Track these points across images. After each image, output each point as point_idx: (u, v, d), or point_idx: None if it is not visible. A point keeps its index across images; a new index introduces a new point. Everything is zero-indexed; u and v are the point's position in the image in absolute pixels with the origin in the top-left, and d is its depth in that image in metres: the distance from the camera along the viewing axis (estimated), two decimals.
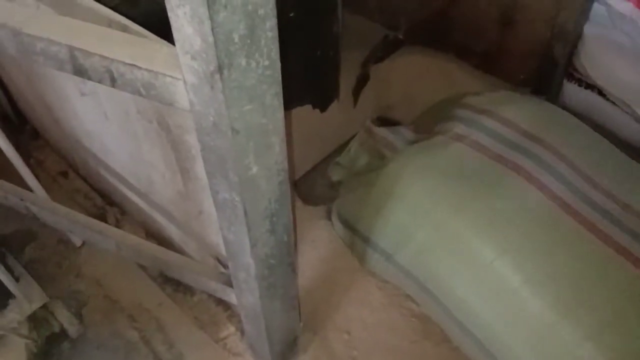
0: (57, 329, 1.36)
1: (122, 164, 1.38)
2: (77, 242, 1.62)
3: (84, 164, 1.68)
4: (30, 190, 1.45)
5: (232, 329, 1.43)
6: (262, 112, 0.76)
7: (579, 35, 1.75)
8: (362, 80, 1.90)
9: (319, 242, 1.51)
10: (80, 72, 0.86)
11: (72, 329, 1.38)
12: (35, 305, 1.25)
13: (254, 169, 0.82)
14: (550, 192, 1.29)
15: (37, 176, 1.77)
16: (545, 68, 1.87)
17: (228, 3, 0.61)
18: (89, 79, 0.86)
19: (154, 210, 1.44)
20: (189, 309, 1.48)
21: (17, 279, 1.28)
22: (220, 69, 0.66)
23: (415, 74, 1.95)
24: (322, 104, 1.79)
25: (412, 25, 2.04)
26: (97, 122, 1.28)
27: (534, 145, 1.39)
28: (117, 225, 1.67)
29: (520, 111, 1.52)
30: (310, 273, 1.45)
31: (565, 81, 1.88)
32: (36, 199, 1.38)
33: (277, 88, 0.75)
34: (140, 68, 0.78)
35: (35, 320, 1.30)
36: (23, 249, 1.62)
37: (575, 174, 1.33)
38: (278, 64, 0.73)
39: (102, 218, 1.70)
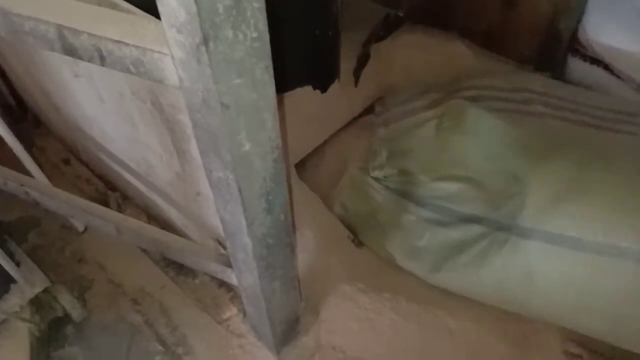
0: (60, 313, 1.37)
1: (121, 148, 1.38)
2: (80, 227, 1.62)
3: (85, 150, 1.68)
4: (32, 176, 1.45)
5: (234, 310, 1.43)
6: (253, 86, 0.74)
7: (583, 9, 1.71)
8: (363, 60, 1.88)
9: (319, 224, 1.50)
10: (70, 51, 0.85)
11: (76, 313, 1.38)
12: (37, 290, 1.26)
13: (247, 146, 0.80)
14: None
15: (39, 163, 1.77)
16: (549, 44, 1.84)
17: None
18: (80, 58, 0.85)
19: (154, 194, 1.43)
20: (192, 291, 1.48)
21: (18, 264, 1.28)
22: (205, 40, 0.64)
23: (417, 53, 1.93)
24: (322, 85, 1.77)
25: (413, 4, 2.02)
26: (94, 107, 1.27)
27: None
28: (119, 209, 1.67)
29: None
30: (310, 254, 1.44)
31: (569, 56, 1.85)
32: (36, 184, 1.38)
33: (267, 61, 0.74)
34: (128, 45, 0.77)
35: (38, 304, 1.31)
36: (26, 236, 1.63)
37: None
38: (266, 37, 0.71)
39: (104, 203, 1.70)
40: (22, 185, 1.34)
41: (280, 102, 1.73)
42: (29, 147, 1.83)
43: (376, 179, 1.43)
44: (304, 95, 1.74)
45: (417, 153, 1.39)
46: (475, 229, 1.27)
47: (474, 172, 1.30)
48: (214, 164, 0.85)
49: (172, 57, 0.73)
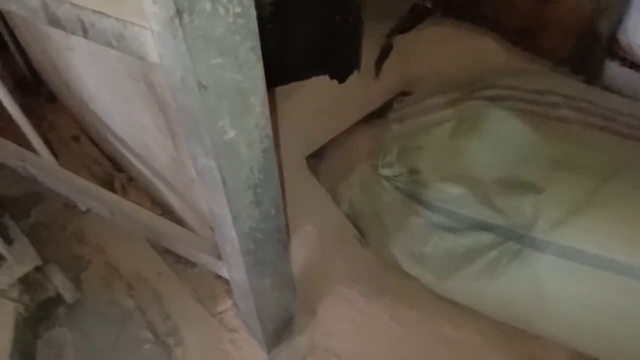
0: (52, 294, 1.34)
1: (121, 128, 1.34)
2: (83, 207, 1.59)
3: (94, 129, 1.65)
4: (37, 152, 1.42)
5: (229, 303, 1.38)
6: (236, 67, 0.68)
7: (623, 9, 1.59)
8: (385, 52, 1.80)
9: (324, 220, 1.43)
10: (54, 21, 0.80)
11: (68, 295, 1.35)
12: (27, 269, 1.23)
13: (231, 133, 0.74)
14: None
15: (49, 139, 1.76)
16: (586, 45, 1.72)
17: None
18: (64, 29, 0.80)
19: (154, 177, 1.39)
20: (188, 280, 1.44)
21: (11, 241, 1.26)
22: (179, 12, 0.58)
23: (443, 48, 1.83)
24: (340, 75, 1.70)
25: None
26: (94, 83, 1.23)
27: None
28: (123, 191, 1.64)
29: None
30: (312, 252, 1.37)
31: (607, 60, 1.73)
32: (37, 160, 1.35)
33: (253, 41, 0.67)
34: (109, 16, 0.71)
35: (28, 283, 1.28)
36: (29, 212, 1.61)
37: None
38: (252, 12, 0.65)
39: (110, 184, 1.67)
40: (22, 160, 1.31)
41: (291, 93, 1.67)
42: (40, 122, 1.82)
43: (385, 178, 1.35)
44: (320, 85, 1.68)
45: (428, 152, 1.31)
46: (485, 238, 1.18)
47: (486, 176, 1.21)
48: (196, 149, 0.79)
49: (152, 31, 0.67)
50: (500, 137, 1.24)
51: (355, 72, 1.72)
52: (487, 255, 1.18)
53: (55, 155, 1.68)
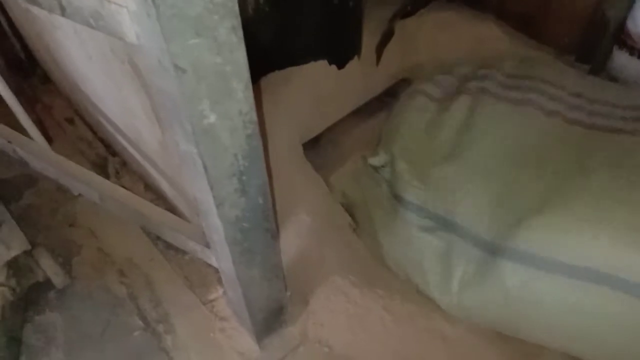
0: (41, 278, 1.32)
1: (112, 111, 1.31)
2: (74, 191, 1.57)
3: (87, 111, 1.62)
4: (29, 135, 1.39)
5: (220, 291, 1.35)
6: (216, 49, 0.64)
7: None
8: (387, 37, 1.75)
9: (319, 208, 1.40)
10: (32, 0, 0.77)
11: (57, 279, 1.34)
12: (14, 253, 1.21)
13: (211, 118, 0.71)
14: None
15: (42, 121, 1.74)
16: (593, 33, 1.67)
17: None
18: (40, 6, 0.77)
19: (146, 162, 1.36)
20: (180, 267, 1.42)
21: None
22: None
23: (446, 33, 1.78)
24: (339, 60, 1.65)
25: None
26: (84, 64, 1.20)
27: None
28: (117, 176, 1.61)
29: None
30: (305, 241, 1.35)
31: (615, 49, 1.67)
32: (25, 143, 1.32)
33: (234, 20, 0.64)
34: None
35: (16, 267, 1.26)
36: (21, 194, 1.59)
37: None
38: None
39: (104, 168, 1.65)
40: (9, 142, 1.29)
41: (288, 77, 1.63)
42: (33, 103, 1.79)
43: (374, 168, 1.31)
44: (318, 70, 1.63)
45: (405, 140, 1.26)
46: (460, 243, 1.14)
47: (458, 175, 1.16)
48: (178, 134, 0.76)
49: (128, 10, 0.64)
50: (477, 135, 1.20)
51: (355, 57, 1.68)
52: (457, 260, 1.14)
53: (48, 138, 1.67)
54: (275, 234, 1.00)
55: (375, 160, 1.29)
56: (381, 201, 1.29)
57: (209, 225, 0.92)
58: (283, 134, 1.57)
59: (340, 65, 1.66)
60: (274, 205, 1.02)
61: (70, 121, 1.77)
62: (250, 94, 0.73)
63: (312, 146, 1.64)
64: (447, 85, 1.47)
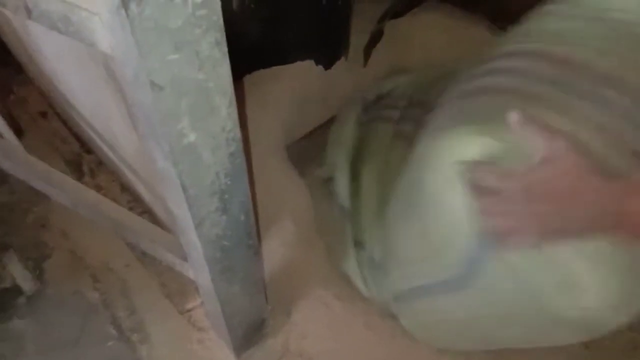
0: (8, 284, 1.26)
1: (88, 111, 1.24)
2: (47, 193, 1.50)
3: (61, 106, 1.54)
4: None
5: (198, 301, 1.30)
6: (197, 64, 0.59)
7: None
8: (376, 37, 1.69)
9: (302, 215, 1.36)
10: None
11: (27, 285, 1.27)
12: None
13: (192, 137, 0.66)
14: None
15: (15, 115, 1.66)
16: None
17: None
18: (5, 7, 0.70)
19: (123, 165, 1.30)
20: (157, 274, 1.36)
21: None
22: (125, 2, 0.49)
23: (438, 36, 1.74)
24: (326, 61, 1.60)
25: None
26: (57, 59, 1.12)
27: None
28: (92, 175, 1.55)
29: None
30: (289, 250, 1.30)
31: None
32: None
33: (218, 35, 0.58)
34: None
35: None
36: None
37: None
38: (217, 3, 0.55)
39: (78, 166, 1.58)
40: None
41: (272, 77, 1.57)
42: (6, 94, 1.71)
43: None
44: (304, 70, 1.58)
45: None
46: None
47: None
48: (154, 151, 0.71)
49: (100, 18, 0.58)
50: None
51: (343, 58, 1.63)
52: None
53: (20, 132, 1.59)
54: (257, 250, 0.95)
55: (322, 172, 1.24)
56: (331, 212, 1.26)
57: (187, 242, 0.87)
58: (266, 136, 1.52)
59: (327, 66, 1.60)
60: (256, 212, 0.97)
61: (44, 115, 1.69)
62: (234, 110, 0.68)
63: (296, 148, 1.59)
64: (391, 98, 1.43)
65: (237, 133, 0.71)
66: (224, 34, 0.59)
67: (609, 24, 0.92)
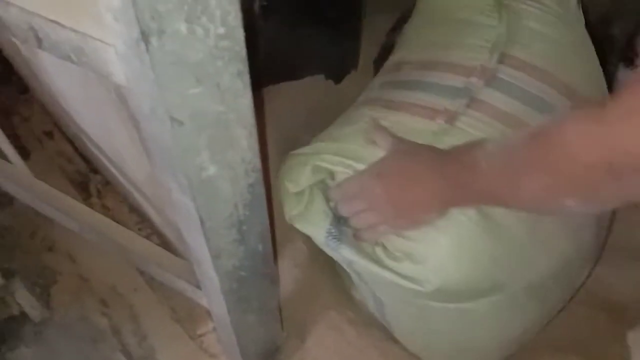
0: (16, 312, 1.23)
1: (95, 133, 1.21)
2: (53, 217, 1.47)
3: (67, 126, 1.51)
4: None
5: (210, 325, 1.27)
6: (219, 97, 0.56)
7: None
8: (387, 50, 1.67)
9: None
10: (3, 27, 0.67)
11: (34, 313, 1.24)
12: None
13: (211, 170, 0.62)
14: None
15: (19, 135, 1.63)
16: (599, 49, 1.61)
17: None
18: (14, 36, 0.67)
19: (132, 188, 1.27)
20: (167, 298, 1.32)
21: None
22: (145, 36, 0.46)
23: None
24: (336, 75, 1.58)
25: None
26: (64, 81, 1.10)
27: None
28: (99, 195, 1.51)
29: None
30: (303, 271, 1.27)
31: (621, 66, 1.62)
32: (1, 165, 1.22)
33: (240, 65, 0.55)
34: (64, 27, 0.59)
35: None
36: None
37: None
38: (240, 32, 0.52)
39: (85, 186, 1.54)
40: None
41: (281, 90, 1.55)
42: (9, 115, 1.68)
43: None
44: (313, 84, 1.56)
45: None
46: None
47: None
48: (170, 183, 0.67)
49: (115, 50, 0.55)
50: None
51: (353, 71, 1.60)
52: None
53: (25, 152, 1.56)
54: (274, 278, 0.92)
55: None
56: None
57: (202, 272, 0.84)
58: (276, 150, 1.49)
59: (337, 81, 1.58)
60: (273, 239, 0.94)
61: (50, 135, 1.66)
62: (254, 140, 0.65)
63: None
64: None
65: (257, 163, 0.68)
66: (246, 63, 0.56)
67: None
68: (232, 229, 0.73)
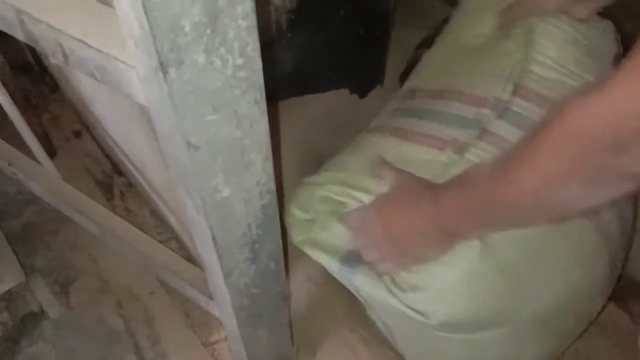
0: (35, 309, 1.26)
1: (119, 137, 1.23)
2: (75, 219, 1.50)
3: (95, 127, 1.55)
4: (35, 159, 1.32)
5: (223, 334, 1.28)
6: (235, 123, 0.57)
7: None
8: (412, 65, 1.66)
9: None
10: (32, 40, 0.69)
11: (53, 311, 1.27)
12: (7, 287, 1.14)
13: (225, 192, 0.63)
14: None
15: (48, 133, 1.67)
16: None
17: None
18: (43, 50, 0.69)
19: (153, 193, 1.29)
20: (182, 303, 1.34)
21: None
22: (163, 66, 0.47)
23: None
24: (361, 90, 1.57)
25: None
26: (92, 88, 1.12)
27: None
28: (122, 197, 1.54)
29: None
30: (316, 286, 1.27)
31: None
32: (27, 165, 1.25)
33: (257, 94, 0.56)
34: (90, 46, 0.60)
35: (9, 299, 1.19)
36: (21, 211, 1.52)
37: None
38: (258, 63, 0.53)
39: (109, 187, 1.58)
40: (9, 164, 1.22)
41: (304, 103, 1.55)
42: (41, 113, 1.73)
43: None
44: (337, 98, 1.56)
45: None
46: None
47: None
48: (186, 200, 0.68)
49: (137, 72, 0.56)
50: None
51: (378, 86, 1.60)
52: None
53: (53, 151, 1.60)
54: (285, 295, 0.93)
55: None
56: None
57: (215, 287, 0.85)
58: (296, 164, 1.50)
59: (362, 95, 1.58)
60: (285, 256, 0.94)
61: (78, 134, 1.70)
62: (269, 163, 0.65)
63: None
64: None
65: (272, 185, 0.69)
66: (263, 92, 0.56)
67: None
68: (244, 248, 0.73)
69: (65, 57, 0.66)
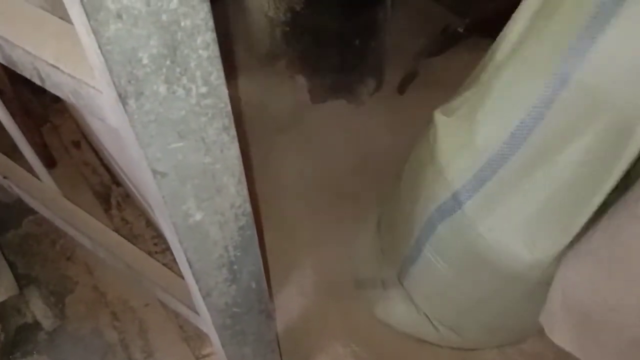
0: (30, 320, 1.27)
1: (113, 150, 1.24)
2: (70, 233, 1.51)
3: (93, 138, 1.56)
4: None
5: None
6: (204, 149, 0.56)
7: None
8: (410, 77, 1.65)
9: (325, 263, 1.32)
10: (11, 63, 0.69)
11: (47, 322, 1.28)
12: (1, 298, 1.15)
13: (198, 216, 0.63)
14: None
15: (48, 144, 1.68)
16: None
17: (124, 11, 0.42)
18: (22, 73, 0.70)
19: (146, 204, 1.29)
20: (176, 315, 1.34)
21: None
22: (122, 98, 0.47)
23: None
24: (358, 100, 1.57)
25: (482, 17, 1.75)
26: None
27: None
28: (119, 208, 1.55)
29: None
30: (308, 299, 1.26)
31: None
32: (23, 178, 1.26)
33: (226, 120, 0.55)
34: (63, 72, 0.61)
35: (3, 310, 1.20)
36: (21, 222, 1.53)
37: None
38: (223, 90, 0.53)
39: (106, 197, 1.59)
40: (5, 177, 1.23)
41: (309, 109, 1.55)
42: (42, 123, 1.74)
43: None
44: (335, 108, 1.55)
45: None
46: None
47: None
48: (161, 223, 0.68)
49: (106, 98, 0.56)
50: None
51: (375, 94, 1.59)
52: None
53: (52, 161, 1.61)
54: (269, 313, 0.92)
55: None
56: None
57: (197, 306, 0.85)
58: (293, 174, 1.49)
59: (359, 105, 1.57)
60: (267, 276, 0.94)
61: (77, 145, 1.71)
62: (243, 186, 0.65)
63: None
64: None
65: (247, 207, 0.68)
66: (232, 118, 0.56)
67: None
68: (222, 269, 0.73)
69: (42, 80, 0.66)
